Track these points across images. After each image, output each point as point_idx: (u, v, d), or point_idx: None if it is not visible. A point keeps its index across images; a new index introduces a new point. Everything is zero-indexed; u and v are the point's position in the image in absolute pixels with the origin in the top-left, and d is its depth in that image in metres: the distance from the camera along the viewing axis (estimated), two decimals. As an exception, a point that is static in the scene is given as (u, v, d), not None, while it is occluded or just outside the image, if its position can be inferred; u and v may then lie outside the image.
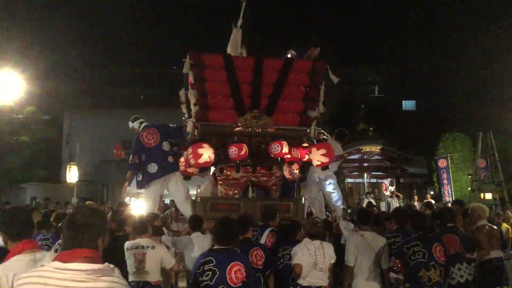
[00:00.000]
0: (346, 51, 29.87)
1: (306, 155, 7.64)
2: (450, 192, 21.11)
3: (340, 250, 5.84)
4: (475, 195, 17.27)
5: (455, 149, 23.42)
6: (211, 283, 4.02)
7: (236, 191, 7.80)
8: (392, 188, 21.84)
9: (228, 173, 7.69)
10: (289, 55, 8.38)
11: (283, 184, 8.08)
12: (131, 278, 5.24)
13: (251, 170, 7.76)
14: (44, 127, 23.06)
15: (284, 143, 7.30)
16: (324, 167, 7.76)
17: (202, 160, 7.03)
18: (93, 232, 2.32)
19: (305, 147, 7.76)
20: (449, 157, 21.97)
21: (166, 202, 14.38)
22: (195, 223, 6.22)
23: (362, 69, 29.70)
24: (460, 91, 25.78)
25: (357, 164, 25.79)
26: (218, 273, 4.04)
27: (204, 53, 7.68)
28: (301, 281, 5.26)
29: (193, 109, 7.45)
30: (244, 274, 4.13)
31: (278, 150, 7.25)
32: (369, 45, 31.06)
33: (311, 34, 9.23)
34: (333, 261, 5.38)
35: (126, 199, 21.55)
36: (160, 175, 7.39)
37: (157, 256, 5.34)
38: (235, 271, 4.09)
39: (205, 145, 7.10)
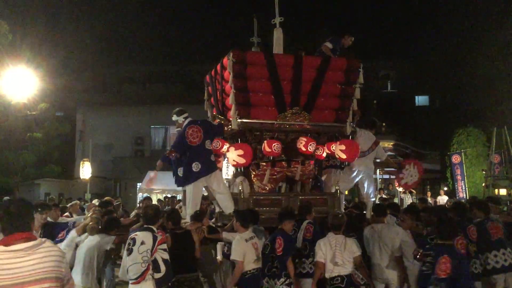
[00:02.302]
0: (358, 46, 29.70)
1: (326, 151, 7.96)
2: (464, 188, 20.88)
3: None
4: (489, 191, 17.10)
5: (469, 145, 23.16)
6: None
7: (272, 186, 7.99)
8: (405, 184, 21.65)
9: (265, 168, 7.92)
10: (326, 46, 8.56)
11: (314, 177, 8.35)
12: (252, 266, 5.79)
13: (286, 165, 8.04)
14: (57, 124, 23.24)
15: (306, 139, 7.64)
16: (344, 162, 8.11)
17: (241, 160, 7.39)
18: (26, 219, 3.05)
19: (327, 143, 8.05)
20: (463, 153, 21.72)
21: (177, 198, 14.43)
22: (254, 217, 6.49)
23: (374, 64, 29.43)
24: (474, 86, 25.49)
25: (369, 160, 25.57)
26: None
27: (247, 50, 7.87)
28: (328, 274, 5.71)
29: (235, 107, 7.50)
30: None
31: (302, 145, 7.64)
32: (382, 39, 30.83)
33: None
34: (356, 254, 5.73)
35: (139, 195, 21.74)
36: (204, 174, 7.33)
37: (260, 245, 6.05)
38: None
39: (245, 145, 7.47)
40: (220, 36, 29.17)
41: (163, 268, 5.29)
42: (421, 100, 33.68)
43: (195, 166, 7.20)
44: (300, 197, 7.76)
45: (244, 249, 5.78)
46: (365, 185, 8.70)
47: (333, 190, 8.18)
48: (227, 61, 7.59)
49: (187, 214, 7.29)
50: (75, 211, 9.85)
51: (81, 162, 20.18)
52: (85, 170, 19.59)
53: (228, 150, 7.54)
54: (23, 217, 3.04)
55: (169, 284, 5.50)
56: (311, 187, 8.31)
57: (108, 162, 27.52)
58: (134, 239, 5.13)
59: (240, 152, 7.38)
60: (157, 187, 19.51)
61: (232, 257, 5.89)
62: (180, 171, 7.31)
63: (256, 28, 9.06)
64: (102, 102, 29.67)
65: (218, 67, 8.25)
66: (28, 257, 2.95)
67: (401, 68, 31.66)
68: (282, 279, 5.91)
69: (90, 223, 6.17)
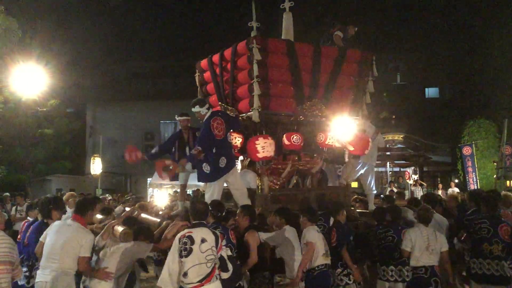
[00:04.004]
0: (367, 38, 29.47)
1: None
2: (475, 180, 20.75)
3: None
4: (501, 183, 16.95)
5: (480, 136, 22.99)
6: None
7: (284, 180, 7.80)
8: (415, 177, 21.56)
9: (277, 162, 7.70)
10: (338, 36, 8.35)
11: (320, 171, 8.26)
12: (321, 261, 5.61)
13: (297, 159, 7.83)
14: (67, 120, 23.39)
15: (329, 133, 7.54)
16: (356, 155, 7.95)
17: (261, 154, 7.04)
18: None
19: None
20: (473, 144, 21.55)
21: (188, 192, 14.45)
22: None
23: (383, 56, 29.21)
24: (484, 77, 25.23)
25: (379, 153, 25.42)
26: None
27: (268, 38, 7.49)
28: (414, 262, 5.81)
29: (257, 98, 7.14)
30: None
31: (322, 139, 7.59)
32: (390, 31, 30.58)
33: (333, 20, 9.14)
34: (444, 249, 5.84)
35: (150, 190, 21.83)
36: (228, 169, 6.72)
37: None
38: None
39: (268, 138, 7.11)
40: (227, 27, 29.06)
41: (230, 266, 4.87)
42: (431, 92, 33.41)
43: (222, 162, 6.60)
44: (314, 192, 7.54)
45: (316, 236, 5.62)
46: (369, 177, 8.61)
47: (344, 183, 8.13)
48: (244, 48, 7.25)
49: None
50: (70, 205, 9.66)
51: (92, 158, 20.27)
52: (96, 166, 19.69)
53: (251, 143, 7.14)
54: None
55: (237, 284, 5.12)
56: (318, 180, 8.23)
57: (118, 157, 27.57)
58: (191, 237, 4.56)
59: (265, 144, 7.02)
60: (167, 181, 19.53)
61: (305, 240, 5.56)
62: (206, 167, 6.66)
63: (255, 12, 8.34)
64: (112, 98, 29.79)
65: (227, 53, 7.82)
66: None
67: (410, 60, 31.39)
68: (339, 270, 6.00)
69: (123, 229, 5.28)
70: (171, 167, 6.84)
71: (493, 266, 5.72)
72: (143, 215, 6.38)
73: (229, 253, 5.02)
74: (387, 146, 25.27)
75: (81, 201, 5.53)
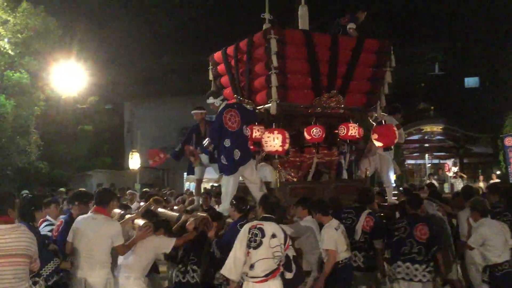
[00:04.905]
0: (404, 29, 28.90)
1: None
2: (517, 171, 20.11)
3: None
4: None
5: (523, 126, 22.27)
6: None
7: (301, 174, 7.67)
8: (455, 169, 21.10)
9: (294, 155, 7.58)
10: (352, 29, 8.08)
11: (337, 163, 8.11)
12: (344, 255, 5.53)
13: (314, 151, 7.66)
14: (106, 117, 23.90)
15: (352, 125, 7.39)
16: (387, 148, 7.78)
17: (273, 148, 6.87)
18: (5, 205, 3.92)
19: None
20: (516, 135, 20.89)
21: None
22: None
23: (421, 46, 28.64)
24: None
25: (417, 145, 25.08)
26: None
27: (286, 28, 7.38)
28: (495, 259, 5.54)
29: (275, 89, 6.99)
30: None
31: (344, 132, 7.39)
32: (428, 21, 29.90)
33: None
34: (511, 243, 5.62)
35: (186, 184, 22.06)
36: (243, 162, 6.56)
37: None
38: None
39: (282, 130, 6.92)
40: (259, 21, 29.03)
41: (294, 267, 4.69)
42: (470, 81, 32.52)
43: (236, 154, 6.48)
44: (333, 186, 7.43)
45: (335, 237, 5.44)
46: (386, 170, 8.36)
47: (363, 176, 8.01)
48: (261, 39, 7.14)
49: (224, 208, 6.51)
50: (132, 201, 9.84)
51: (130, 153, 20.61)
52: (134, 161, 19.99)
53: (265, 135, 6.96)
54: (2, 204, 3.92)
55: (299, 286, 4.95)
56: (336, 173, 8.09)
57: (155, 153, 28.05)
58: (261, 230, 4.46)
59: (281, 137, 6.83)
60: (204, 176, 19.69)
61: (324, 246, 5.41)
62: (224, 159, 6.58)
63: (268, 3, 8.11)
64: (148, 94, 30.18)
65: (243, 44, 7.68)
66: (8, 235, 3.82)
67: (448, 50, 30.63)
68: (364, 253, 6.09)
69: (143, 222, 5.24)
70: (161, 157, 7.57)
71: None
72: (160, 210, 6.37)
73: (294, 253, 4.89)
74: (426, 137, 24.83)
75: (101, 193, 5.46)
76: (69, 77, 17.51)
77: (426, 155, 25.02)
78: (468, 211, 6.13)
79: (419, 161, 26.01)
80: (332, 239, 5.40)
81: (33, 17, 16.46)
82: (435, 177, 18.83)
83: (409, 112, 25.37)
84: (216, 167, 6.91)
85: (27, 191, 15.30)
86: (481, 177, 20.39)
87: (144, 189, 14.24)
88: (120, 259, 5.20)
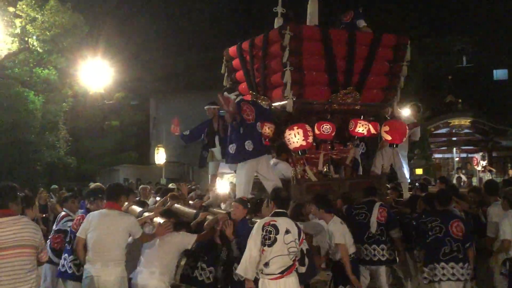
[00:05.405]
0: (431, 20, 28.43)
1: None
2: (548, 165, 19.69)
3: None
4: None
5: (553, 119, 21.75)
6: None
7: (315, 170, 7.51)
8: (484, 163, 20.69)
9: (310, 151, 7.43)
10: (366, 28, 7.98)
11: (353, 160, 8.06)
12: (352, 250, 5.58)
13: (330, 148, 7.66)
14: (132, 112, 24.15)
15: (360, 122, 7.36)
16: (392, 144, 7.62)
17: (297, 144, 6.81)
18: (5, 199, 3.91)
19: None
20: (547, 128, 20.44)
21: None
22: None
23: (448, 38, 28.12)
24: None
25: (445, 139, 24.73)
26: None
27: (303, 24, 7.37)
28: None
29: (290, 86, 6.94)
30: None
31: (352, 127, 7.38)
32: (456, 12, 29.34)
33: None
34: None
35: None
36: (255, 155, 6.53)
37: None
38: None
39: (301, 125, 6.88)
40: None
41: (306, 261, 4.72)
42: (499, 74, 31.88)
43: (248, 145, 6.44)
44: (348, 182, 7.42)
45: (343, 231, 5.44)
46: (400, 165, 8.31)
47: (379, 172, 7.94)
48: (277, 35, 7.06)
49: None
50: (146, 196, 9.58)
51: (156, 148, 20.80)
52: (160, 156, 20.17)
53: (286, 134, 6.93)
54: (3, 197, 3.92)
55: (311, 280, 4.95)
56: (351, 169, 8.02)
57: (181, 147, 28.21)
58: (275, 226, 4.43)
59: (301, 132, 6.77)
60: (229, 170, 19.73)
61: (336, 241, 5.38)
62: (232, 148, 6.58)
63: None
64: (172, 89, 30.41)
65: (258, 40, 7.62)
66: (11, 227, 3.83)
67: (476, 42, 30.02)
68: (382, 245, 6.07)
69: (163, 221, 5.20)
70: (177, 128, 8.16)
71: None
72: (177, 206, 6.32)
73: (307, 247, 4.86)
74: (453, 131, 24.43)
75: (111, 188, 5.32)
76: (96, 74, 17.71)
77: (454, 149, 24.65)
78: (498, 206, 5.92)
79: (446, 155, 25.65)
80: (341, 234, 5.42)
81: (61, 15, 16.65)
82: (463, 171, 18.52)
83: (436, 105, 25.02)
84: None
85: (56, 186, 15.61)
86: (510, 171, 20.03)
87: (170, 184, 14.35)
88: (143, 253, 5.13)
